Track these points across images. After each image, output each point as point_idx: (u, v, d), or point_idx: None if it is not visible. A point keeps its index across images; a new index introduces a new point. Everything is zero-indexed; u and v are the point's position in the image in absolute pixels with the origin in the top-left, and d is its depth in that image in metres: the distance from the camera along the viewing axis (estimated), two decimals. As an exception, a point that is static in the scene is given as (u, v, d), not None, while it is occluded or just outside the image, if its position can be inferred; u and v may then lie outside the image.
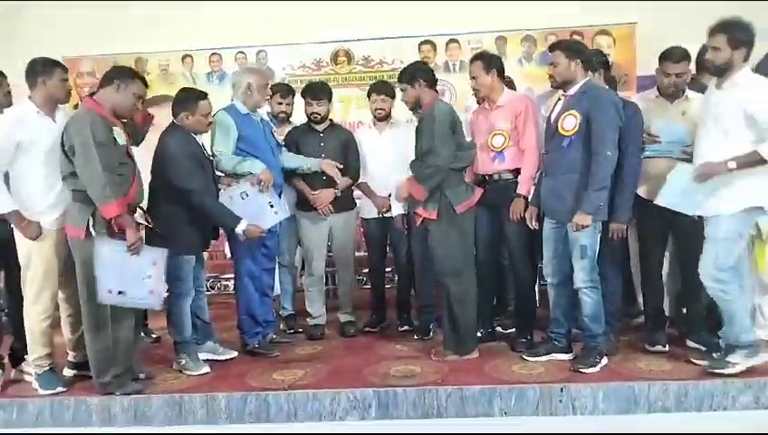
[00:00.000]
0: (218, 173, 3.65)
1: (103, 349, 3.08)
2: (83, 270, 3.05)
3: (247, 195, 3.52)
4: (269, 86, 3.81)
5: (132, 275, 3.02)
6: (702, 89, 3.36)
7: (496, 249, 3.66)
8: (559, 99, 3.33)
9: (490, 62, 3.54)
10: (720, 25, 2.99)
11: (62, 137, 3.02)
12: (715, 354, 3.18)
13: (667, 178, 3.15)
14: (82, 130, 2.96)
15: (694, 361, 3.22)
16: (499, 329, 3.86)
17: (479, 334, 3.68)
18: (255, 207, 3.53)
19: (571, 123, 3.16)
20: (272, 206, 3.60)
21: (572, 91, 3.22)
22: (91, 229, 2.99)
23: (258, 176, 3.49)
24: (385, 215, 4.04)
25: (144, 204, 3.35)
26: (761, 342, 3.09)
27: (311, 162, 3.83)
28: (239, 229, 3.38)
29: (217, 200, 3.43)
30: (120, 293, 3.01)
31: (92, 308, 3.05)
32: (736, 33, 2.94)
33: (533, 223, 3.39)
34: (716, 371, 3.03)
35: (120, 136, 3.11)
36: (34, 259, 3.14)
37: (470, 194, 3.46)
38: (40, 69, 3.16)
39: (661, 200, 3.17)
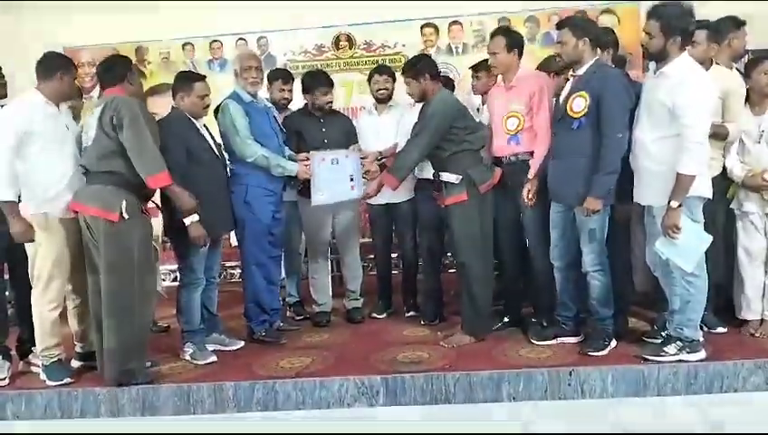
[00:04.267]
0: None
1: (130, 336, 3.08)
2: (112, 256, 3.03)
3: (338, 162, 3.72)
4: (256, 68, 3.67)
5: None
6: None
7: (517, 234, 3.59)
8: (567, 79, 3.27)
9: (513, 39, 3.44)
10: (655, 11, 2.91)
11: (103, 115, 3.03)
12: (655, 340, 3.20)
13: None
14: (133, 107, 3.06)
15: (645, 338, 3.30)
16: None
17: (506, 320, 3.67)
18: (339, 175, 3.72)
19: (580, 105, 3.08)
20: (352, 180, 3.74)
21: (582, 71, 3.14)
22: (124, 213, 3.02)
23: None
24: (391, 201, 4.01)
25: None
26: (702, 343, 3.06)
27: (292, 167, 3.65)
28: (186, 221, 3.25)
29: (181, 184, 3.24)
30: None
31: (120, 295, 3.05)
32: (670, 20, 2.85)
33: (530, 197, 3.32)
34: (648, 357, 3.05)
35: None
36: (43, 249, 3.13)
37: (491, 174, 3.44)
38: (60, 64, 3.21)
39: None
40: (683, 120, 2.81)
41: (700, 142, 2.82)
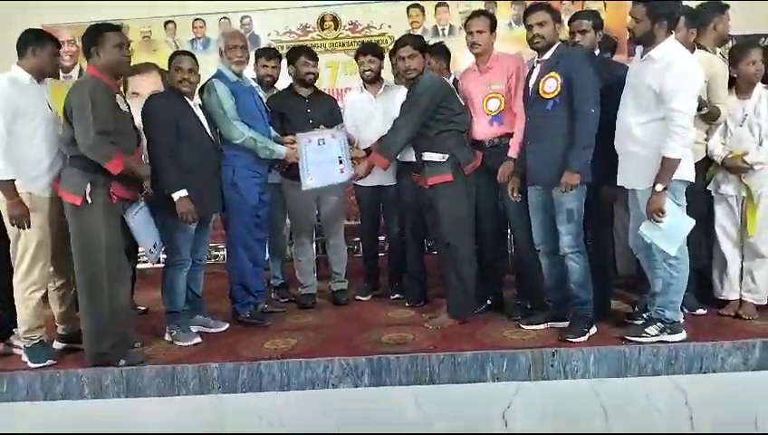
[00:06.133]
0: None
1: (100, 318, 3.06)
2: (80, 239, 3.02)
3: (324, 142, 3.66)
4: (241, 47, 3.58)
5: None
6: None
7: (498, 217, 3.60)
8: (533, 67, 3.27)
9: (494, 20, 3.52)
10: None
11: (65, 102, 2.98)
12: (637, 322, 3.24)
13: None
14: (82, 94, 2.96)
15: (627, 320, 3.34)
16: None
17: (488, 302, 3.69)
18: (327, 156, 3.66)
19: (552, 85, 3.10)
20: (341, 162, 3.67)
21: (547, 55, 3.17)
22: (88, 197, 2.98)
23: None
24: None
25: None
26: (682, 324, 3.11)
27: (280, 150, 3.65)
28: (175, 196, 3.25)
29: (169, 159, 3.27)
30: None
31: (89, 278, 3.03)
32: (657, 6, 2.88)
33: (515, 194, 3.35)
34: (630, 338, 3.09)
35: (123, 104, 3.13)
36: (27, 230, 3.08)
37: (474, 156, 3.46)
38: (32, 39, 3.15)
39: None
40: (670, 105, 2.82)
41: (686, 127, 2.84)
